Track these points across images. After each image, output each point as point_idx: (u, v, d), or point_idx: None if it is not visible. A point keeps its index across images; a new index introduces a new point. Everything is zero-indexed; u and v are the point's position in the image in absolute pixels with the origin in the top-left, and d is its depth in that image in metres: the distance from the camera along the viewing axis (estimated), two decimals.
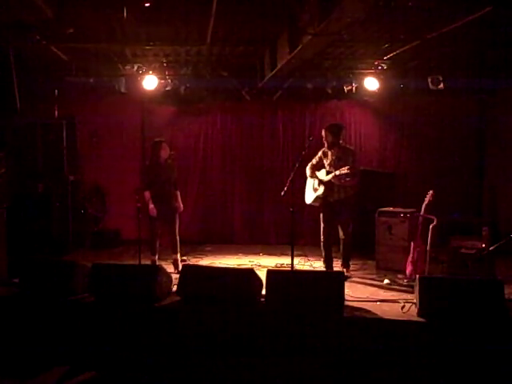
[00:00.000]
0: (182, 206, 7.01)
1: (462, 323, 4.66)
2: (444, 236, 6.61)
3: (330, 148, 6.43)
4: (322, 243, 6.55)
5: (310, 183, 6.56)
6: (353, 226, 8.31)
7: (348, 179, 6.20)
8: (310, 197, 6.54)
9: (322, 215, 6.54)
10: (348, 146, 6.81)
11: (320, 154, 6.54)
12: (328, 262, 6.54)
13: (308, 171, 6.57)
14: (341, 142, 6.48)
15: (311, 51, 6.29)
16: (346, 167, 6.05)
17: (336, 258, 7.60)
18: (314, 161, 6.57)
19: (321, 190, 6.44)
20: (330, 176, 6.26)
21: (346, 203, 6.40)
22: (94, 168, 9.06)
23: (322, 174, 6.46)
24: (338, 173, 6.13)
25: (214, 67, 8.32)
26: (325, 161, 6.47)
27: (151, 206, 6.70)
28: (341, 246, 6.60)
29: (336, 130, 6.49)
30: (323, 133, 6.51)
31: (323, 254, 6.57)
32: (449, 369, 4.45)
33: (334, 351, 4.64)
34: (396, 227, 7.03)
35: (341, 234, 6.52)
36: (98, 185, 9.09)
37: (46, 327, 5.05)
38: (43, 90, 8.31)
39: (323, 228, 6.53)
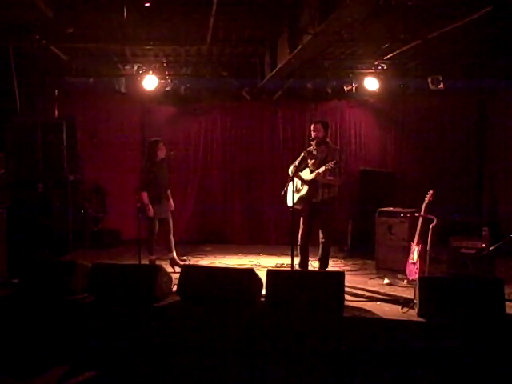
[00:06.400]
0: (173, 205, 7.04)
1: (461, 323, 4.66)
2: (444, 236, 6.61)
3: (318, 145, 6.22)
4: (298, 246, 6.29)
5: (293, 184, 6.21)
6: (352, 227, 8.44)
7: (331, 178, 6.03)
8: (292, 198, 6.12)
9: (302, 217, 6.30)
10: (335, 146, 6.75)
11: (303, 154, 6.27)
12: (304, 266, 6.35)
13: (291, 172, 6.29)
14: (328, 140, 6.37)
15: (311, 51, 6.29)
16: (333, 162, 5.86)
17: (336, 257, 7.65)
18: (296, 162, 6.30)
19: (304, 190, 6.22)
20: (315, 173, 6.05)
21: (329, 204, 6.22)
22: (94, 168, 9.07)
23: (305, 174, 6.25)
24: (322, 169, 5.93)
25: (214, 67, 8.32)
26: (309, 161, 6.24)
27: (149, 206, 6.70)
28: (319, 249, 6.34)
29: (327, 126, 6.39)
30: (314, 127, 6.26)
31: (299, 257, 6.31)
32: (449, 369, 4.44)
33: (334, 351, 4.64)
34: (396, 227, 7.03)
35: (321, 236, 6.29)
36: (98, 185, 9.09)
37: (45, 327, 5.04)
38: (43, 90, 8.32)
39: (303, 230, 6.29)
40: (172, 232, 6.92)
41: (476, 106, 9.24)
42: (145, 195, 6.71)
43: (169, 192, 7.02)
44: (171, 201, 7.02)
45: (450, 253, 6.39)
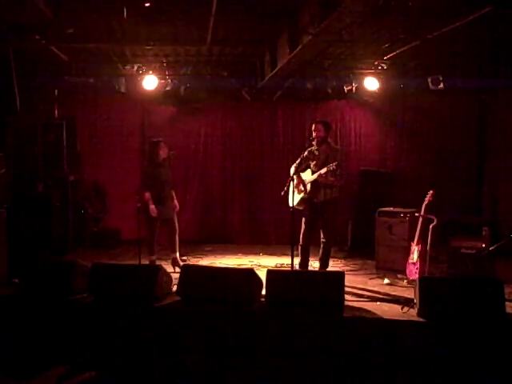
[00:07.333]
0: (177, 205, 7.03)
1: (461, 323, 4.66)
2: (444, 236, 6.61)
3: (319, 145, 6.22)
4: (300, 247, 6.30)
5: (293, 185, 6.12)
6: (352, 227, 8.45)
7: (332, 179, 6.04)
8: (294, 199, 6.10)
9: (304, 218, 6.32)
10: (336, 146, 6.76)
11: (305, 154, 6.25)
12: (304, 267, 6.36)
13: (293, 171, 6.24)
14: (329, 140, 6.39)
15: (311, 51, 6.30)
16: (334, 163, 5.86)
17: (336, 257, 7.65)
18: (298, 161, 6.26)
19: (306, 190, 6.24)
20: (316, 175, 6.07)
21: (330, 205, 6.24)
22: (94, 168, 9.08)
23: (307, 175, 6.26)
24: (324, 170, 5.94)
25: (213, 67, 8.33)
26: (310, 161, 6.25)
27: (152, 206, 6.68)
28: (320, 249, 6.35)
29: (328, 126, 6.42)
30: (315, 127, 6.26)
31: (300, 257, 6.32)
32: (449, 369, 4.44)
33: (334, 351, 4.64)
34: (396, 227, 7.03)
35: (322, 236, 6.30)
36: (98, 185, 9.09)
37: (45, 327, 5.04)
38: (43, 90, 8.32)
39: (304, 230, 6.31)
40: (177, 233, 6.90)
41: (476, 105, 9.25)
42: (147, 195, 6.71)
43: (173, 192, 7.00)
44: (176, 201, 6.99)
45: (450, 253, 6.38)
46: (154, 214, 6.69)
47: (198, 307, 5.09)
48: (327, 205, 6.22)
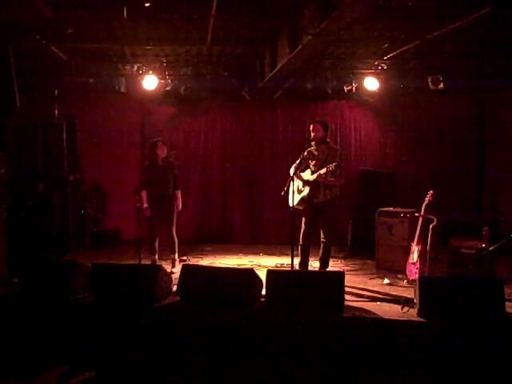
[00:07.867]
0: (180, 205, 7.01)
1: (462, 323, 4.66)
2: (444, 236, 6.62)
3: (318, 145, 6.22)
4: (299, 247, 6.29)
5: (294, 185, 6.15)
6: (352, 227, 8.44)
7: (333, 179, 6.05)
8: (293, 199, 6.09)
9: (304, 218, 6.32)
10: (336, 146, 6.75)
11: (305, 154, 6.22)
12: (304, 267, 6.36)
13: (292, 171, 6.22)
14: (328, 140, 6.39)
15: (311, 51, 6.29)
16: (334, 164, 5.86)
17: (336, 257, 7.65)
18: (297, 161, 6.22)
19: (306, 190, 6.23)
20: (316, 175, 6.08)
21: (330, 205, 6.24)
22: (94, 168, 9.07)
23: (307, 174, 6.26)
24: (323, 171, 5.95)
25: (214, 67, 8.33)
26: (310, 161, 6.25)
27: (145, 205, 6.72)
28: (320, 249, 6.35)
29: (327, 126, 6.39)
30: (314, 127, 6.26)
31: (300, 257, 6.31)
32: (449, 369, 4.44)
33: (334, 351, 4.64)
34: (396, 227, 7.03)
35: (322, 236, 6.31)
36: (98, 185, 9.09)
37: (45, 327, 5.04)
38: (43, 90, 8.32)
39: (304, 230, 6.31)
40: (173, 234, 6.90)
41: (476, 105, 9.24)
42: (143, 194, 6.72)
43: (178, 192, 6.99)
44: (179, 201, 6.97)
45: (450, 253, 6.39)
46: (147, 214, 6.72)
47: (198, 307, 5.09)
48: (327, 205, 6.22)
